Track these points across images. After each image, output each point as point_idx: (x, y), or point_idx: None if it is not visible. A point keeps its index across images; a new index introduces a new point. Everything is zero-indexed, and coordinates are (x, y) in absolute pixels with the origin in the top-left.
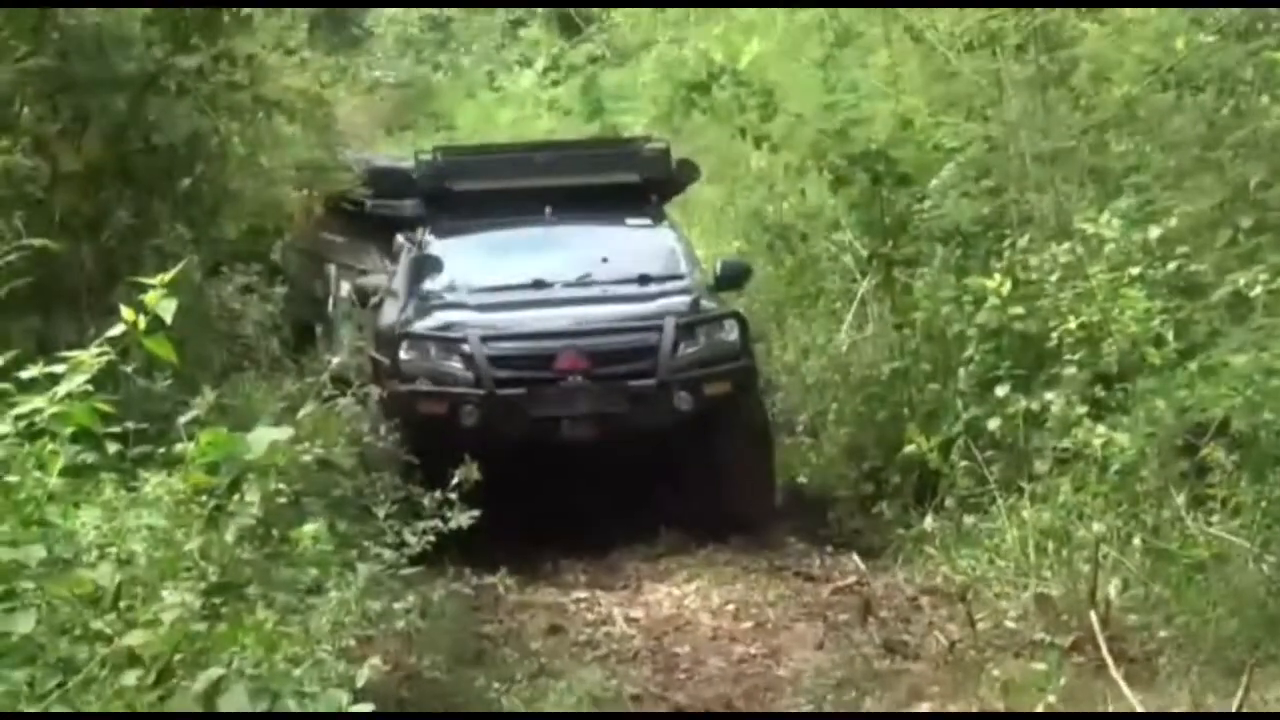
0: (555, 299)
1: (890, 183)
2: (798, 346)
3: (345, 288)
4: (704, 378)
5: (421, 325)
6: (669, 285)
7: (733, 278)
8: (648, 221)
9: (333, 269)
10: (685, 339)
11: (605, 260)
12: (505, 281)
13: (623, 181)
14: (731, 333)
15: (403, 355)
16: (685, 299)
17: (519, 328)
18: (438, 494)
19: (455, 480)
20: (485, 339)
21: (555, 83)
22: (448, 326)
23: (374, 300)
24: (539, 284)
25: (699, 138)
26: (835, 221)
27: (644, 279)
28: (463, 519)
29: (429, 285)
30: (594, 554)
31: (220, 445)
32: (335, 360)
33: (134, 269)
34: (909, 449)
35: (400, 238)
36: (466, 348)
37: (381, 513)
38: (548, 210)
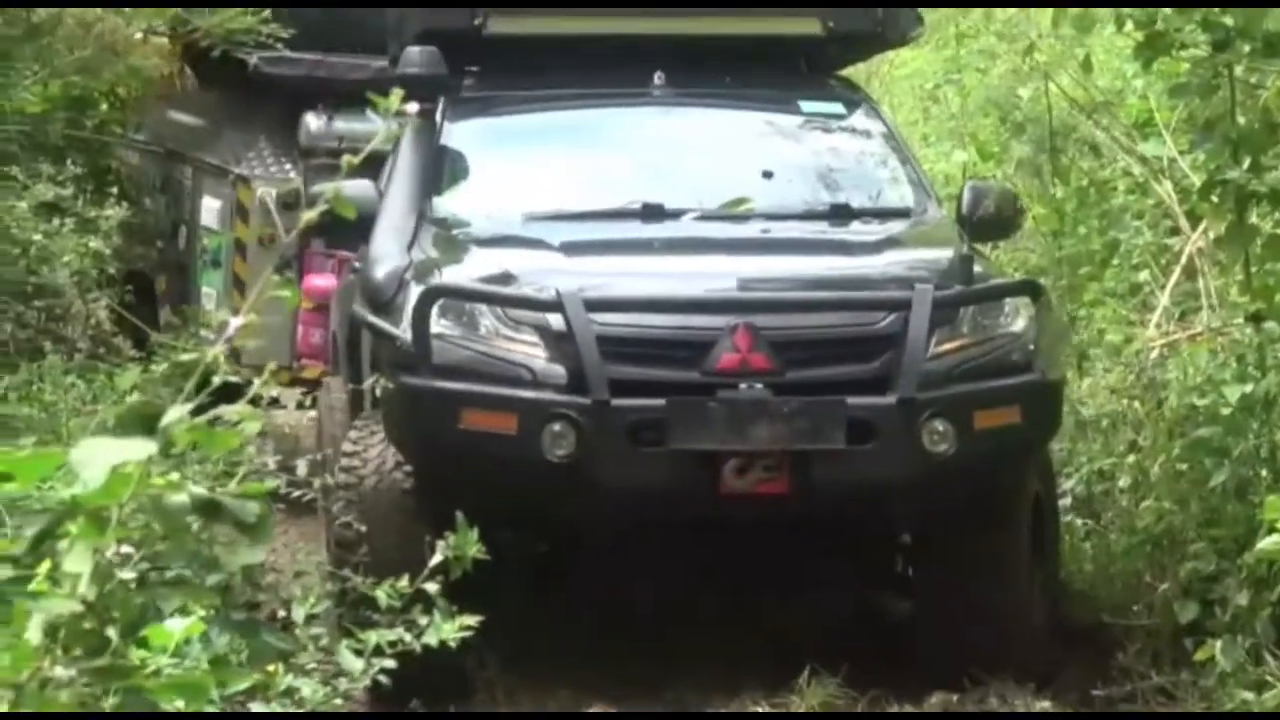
0: (692, 241)
1: (1250, 48)
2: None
3: (214, 207)
4: (977, 399)
5: (464, 273)
6: (894, 227)
7: (993, 219)
8: (838, 106)
9: (189, 173)
10: (945, 326)
11: (769, 175)
12: (591, 205)
13: (796, 33)
14: (1019, 319)
15: (433, 326)
16: (940, 254)
17: (648, 289)
18: (400, 584)
19: (435, 558)
20: (591, 305)
21: None
22: (513, 279)
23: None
24: (653, 212)
25: None
26: (1144, 119)
27: (842, 212)
28: (448, 630)
29: (452, 206)
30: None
31: (18, 471)
32: (232, 326)
33: None
34: (1268, 542)
35: (311, 119)
36: (557, 320)
37: (301, 614)
38: (658, 77)
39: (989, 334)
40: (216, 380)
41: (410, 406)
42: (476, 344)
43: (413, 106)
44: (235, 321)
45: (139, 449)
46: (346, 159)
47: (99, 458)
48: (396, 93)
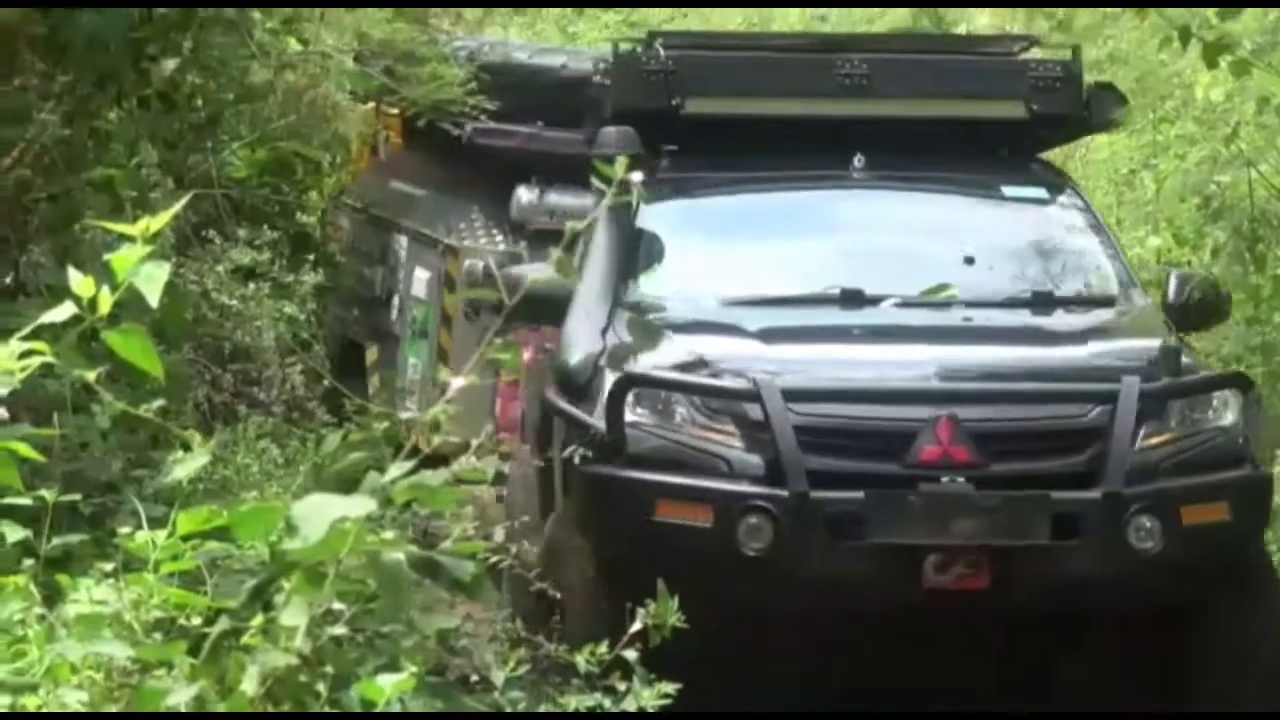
0: (892, 329)
1: None
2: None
3: (423, 277)
4: (1185, 494)
5: (659, 361)
6: (1098, 315)
7: (1200, 308)
8: (1042, 191)
9: (403, 242)
10: (1152, 419)
11: (970, 261)
12: (788, 290)
13: (999, 117)
14: (1228, 413)
15: (628, 415)
16: (1147, 344)
17: (848, 378)
18: (599, 650)
19: (634, 626)
20: (789, 395)
21: None
22: (710, 367)
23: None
24: (852, 298)
25: (1093, 40)
26: None
27: (1044, 300)
28: (647, 696)
29: (646, 289)
30: None
31: (239, 524)
32: (454, 386)
33: (63, 217)
34: None
35: (524, 192)
36: (754, 410)
37: (500, 677)
38: (858, 161)
39: (1197, 428)
40: (436, 440)
41: (603, 496)
42: (672, 433)
43: (636, 176)
44: (457, 381)
45: (359, 505)
46: (570, 224)
47: (319, 513)
48: (621, 161)
